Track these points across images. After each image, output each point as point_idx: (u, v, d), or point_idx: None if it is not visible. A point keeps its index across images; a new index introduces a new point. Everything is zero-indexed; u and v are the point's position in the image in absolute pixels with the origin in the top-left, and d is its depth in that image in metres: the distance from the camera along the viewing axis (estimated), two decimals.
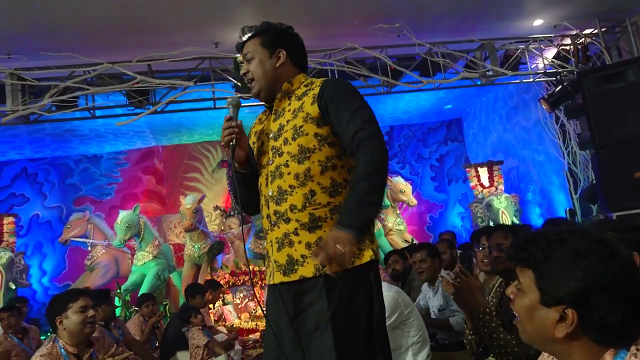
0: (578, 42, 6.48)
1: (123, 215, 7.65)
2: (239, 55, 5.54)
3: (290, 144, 1.75)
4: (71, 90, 5.33)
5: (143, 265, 7.66)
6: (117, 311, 6.49)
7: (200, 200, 7.55)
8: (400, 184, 8.66)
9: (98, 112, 5.82)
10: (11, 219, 7.74)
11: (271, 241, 1.77)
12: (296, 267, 1.69)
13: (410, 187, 8.88)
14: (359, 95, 1.78)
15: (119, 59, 5.33)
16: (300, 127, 1.75)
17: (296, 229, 1.71)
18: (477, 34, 6.16)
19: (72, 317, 2.54)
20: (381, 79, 6.06)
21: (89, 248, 8.19)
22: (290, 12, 5.26)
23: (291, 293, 1.71)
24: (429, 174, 10.69)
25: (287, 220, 1.72)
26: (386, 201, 8.43)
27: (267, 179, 1.79)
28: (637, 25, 6.09)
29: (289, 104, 1.84)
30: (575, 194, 7.41)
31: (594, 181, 6.04)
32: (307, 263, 1.67)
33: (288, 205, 1.72)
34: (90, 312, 2.61)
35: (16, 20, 4.72)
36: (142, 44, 5.31)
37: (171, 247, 8.42)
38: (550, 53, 6.71)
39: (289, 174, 1.73)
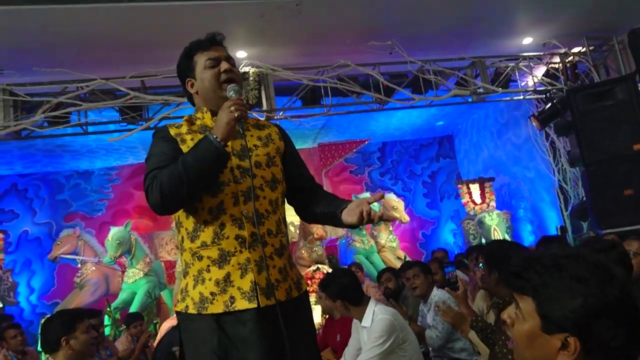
0: (567, 61, 6.59)
1: (114, 231, 7.59)
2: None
3: (264, 169, 1.79)
4: (64, 106, 5.31)
5: (134, 282, 7.58)
6: (107, 330, 6.40)
7: None
8: (392, 201, 8.68)
9: (90, 128, 5.80)
10: (0, 235, 7.65)
11: (240, 263, 1.69)
12: (273, 290, 1.69)
13: (402, 203, 8.90)
14: None
15: (112, 75, 5.33)
16: (273, 157, 1.84)
17: (272, 253, 1.73)
18: (468, 51, 6.24)
19: (80, 337, 2.55)
20: (373, 96, 6.11)
21: (79, 265, 8.10)
22: (283, 30, 5.31)
23: (270, 317, 1.66)
24: (421, 190, 10.73)
25: (265, 244, 1.72)
26: None
27: (235, 197, 1.73)
28: (624, 44, 6.21)
29: (248, 130, 1.85)
30: (566, 210, 7.46)
31: (584, 198, 6.08)
32: (281, 287, 1.72)
33: (265, 229, 1.73)
34: (93, 333, 2.68)
35: (9, 36, 4.71)
36: (135, 60, 5.32)
37: (162, 264, 8.33)
38: (540, 71, 6.82)
39: (264, 198, 1.75)
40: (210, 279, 1.69)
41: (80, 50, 5.13)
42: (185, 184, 1.61)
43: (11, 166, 9.02)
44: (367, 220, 1.66)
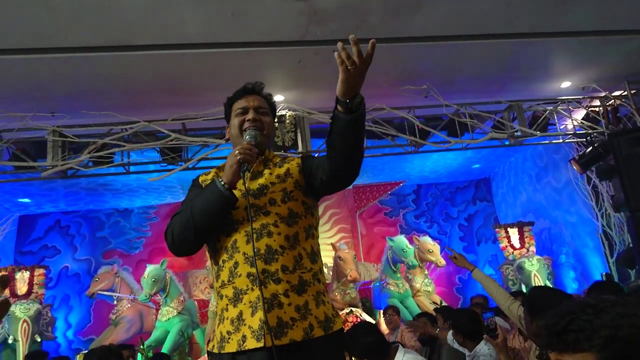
0: (608, 104, 6.47)
1: (150, 269, 7.70)
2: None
3: (280, 205, 1.79)
4: (108, 147, 5.54)
5: (167, 321, 7.60)
6: None
7: None
8: (428, 244, 8.51)
9: (132, 168, 6.00)
10: (42, 270, 7.86)
11: (251, 302, 1.68)
12: (286, 329, 1.64)
13: (438, 247, 8.70)
14: None
15: (155, 118, 5.55)
16: (291, 191, 1.82)
17: (286, 290, 1.69)
18: (505, 95, 6.21)
19: None
20: (409, 139, 6.12)
21: (115, 302, 8.21)
22: (320, 75, 5.42)
23: (284, 358, 1.61)
24: (457, 233, 10.53)
25: (278, 281, 1.69)
26: (414, 261, 8.29)
27: (247, 235, 1.74)
28: None
29: (269, 169, 1.88)
30: (611, 257, 7.15)
31: (631, 245, 5.83)
32: (297, 326, 1.65)
33: (279, 265, 1.70)
34: None
35: (61, 82, 5.00)
36: (177, 104, 5.53)
37: (196, 303, 8.36)
38: (579, 114, 6.70)
39: (279, 234, 1.74)
40: (227, 318, 1.72)
41: (125, 95, 5.38)
42: (192, 228, 1.72)
43: (56, 204, 9.37)
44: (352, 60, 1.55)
